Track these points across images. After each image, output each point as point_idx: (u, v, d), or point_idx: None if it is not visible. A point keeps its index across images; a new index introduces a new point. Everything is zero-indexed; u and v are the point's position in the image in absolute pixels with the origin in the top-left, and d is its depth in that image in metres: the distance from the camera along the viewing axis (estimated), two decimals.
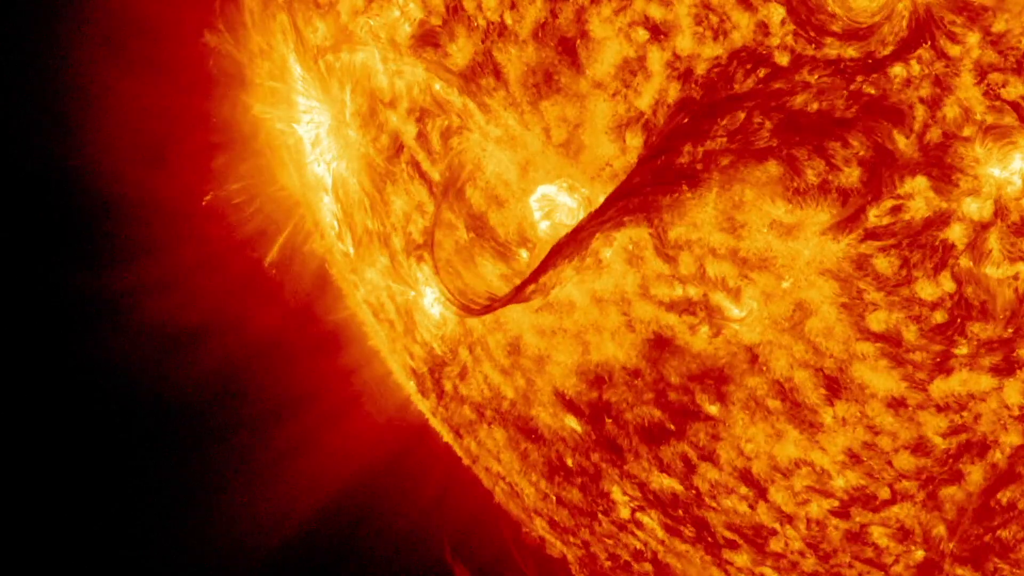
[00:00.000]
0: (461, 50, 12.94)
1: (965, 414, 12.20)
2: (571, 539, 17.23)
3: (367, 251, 16.15)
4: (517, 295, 13.32)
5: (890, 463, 12.85)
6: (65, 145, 17.42)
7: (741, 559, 14.73)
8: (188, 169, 18.04)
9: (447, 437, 18.21)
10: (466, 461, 18.31)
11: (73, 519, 17.75)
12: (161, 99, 17.71)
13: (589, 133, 12.59)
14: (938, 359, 11.99)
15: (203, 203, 17.88)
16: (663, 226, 12.59)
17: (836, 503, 13.47)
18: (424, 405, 18.12)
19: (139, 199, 17.87)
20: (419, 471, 19.54)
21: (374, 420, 19.10)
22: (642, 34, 11.85)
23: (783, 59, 11.32)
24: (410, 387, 18.16)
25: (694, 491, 14.28)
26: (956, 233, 11.37)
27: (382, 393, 18.82)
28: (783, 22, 11.23)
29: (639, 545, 15.95)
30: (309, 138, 16.25)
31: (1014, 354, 11.76)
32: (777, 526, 14.03)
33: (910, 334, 11.95)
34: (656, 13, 11.69)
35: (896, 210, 11.46)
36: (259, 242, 18.04)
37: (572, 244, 12.78)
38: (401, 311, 16.39)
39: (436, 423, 18.25)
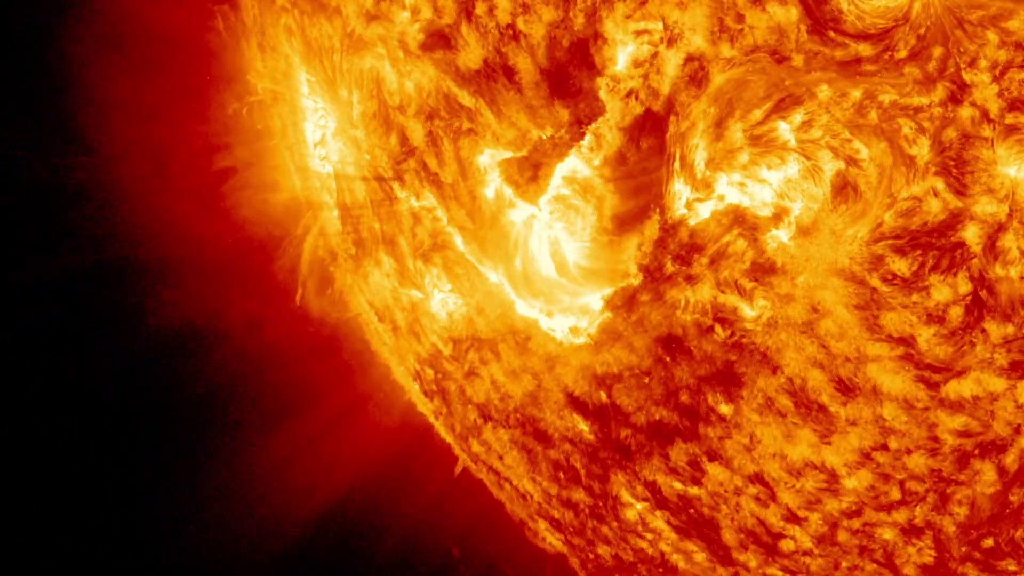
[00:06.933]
0: (473, 51, 12.89)
1: (979, 415, 12.19)
2: (576, 540, 17.19)
3: (372, 253, 16.10)
4: None
5: (902, 464, 12.84)
6: (67, 147, 17.32)
7: (750, 560, 14.72)
8: (191, 172, 17.95)
9: (450, 438, 18.16)
10: (468, 462, 18.27)
11: (80, 518, 17.72)
12: (163, 101, 17.63)
13: (603, 133, 12.57)
14: (952, 360, 11.98)
15: (207, 207, 17.81)
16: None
17: (847, 504, 13.45)
18: (428, 407, 18.07)
19: (142, 203, 17.78)
20: (422, 472, 19.49)
21: (378, 422, 19.05)
22: (657, 35, 11.82)
23: (798, 60, 11.30)
24: (414, 389, 18.11)
25: (704, 492, 14.26)
26: (972, 233, 11.35)
27: (386, 395, 18.76)
28: (799, 22, 11.20)
29: (646, 546, 15.92)
30: (314, 140, 16.19)
31: None
32: (787, 527, 14.02)
33: (924, 335, 11.94)
34: (671, 14, 11.67)
35: (911, 211, 11.45)
36: (263, 245, 17.97)
37: None
38: (407, 313, 16.34)
39: (440, 425, 18.21)
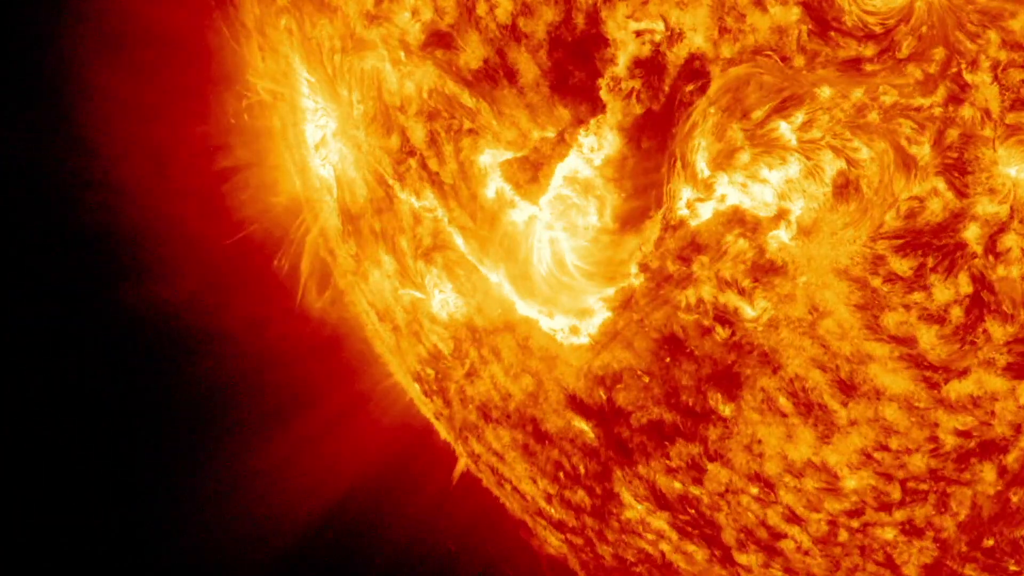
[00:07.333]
0: (473, 51, 12.88)
1: (980, 415, 12.19)
2: (576, 540, 17.20)
3: (373, 253, 16.10)
4: None
5: (903, 464, 12.84)
6: (67, 149, 17.34)
7: (750, 560, 14.72)
8: (191, 172, 17.97)
9: (450, 439, 18.17)
10: (468, 462, 18.27)
11: (80, 518, 17.75)
12: (163, 101, 17.65)
13: (604, 134, 12.57)
14: (953, 360, 11.98)
15: (207, 207, 17.82)
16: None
17: (847, 504, 13.45)
18: (428, 407, 18.08)
19: (142, 203, 17.80)
20: (422, 473, 19.51)
21: (378, 422, 19.06)
22: (658, 35, 11.82)
23: (799, 60, 11.29)
24: (414, 389, 18.11)
25: (705, 492, 14.26)
26: (973, 234, 11.35)
27: (386, 395, 18.78)
28: (799, 22, 11.20)
29: (647, 546, 15.93)
30: (314, 140, 16.19)
31: None
32: (787, 527, 14.02)
33: (925, 335, 11.94)
34: (672, 14, 11.66)
35: (912, 211, 11.45)
36: (263, 245, 17.98)
37: None
38: (407, 313, 16.34)
39: (440, 425, 18.21)
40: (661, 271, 13.01)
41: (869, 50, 11.06)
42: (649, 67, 12.05)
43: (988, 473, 12.55)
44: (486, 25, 12.68)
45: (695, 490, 14.31)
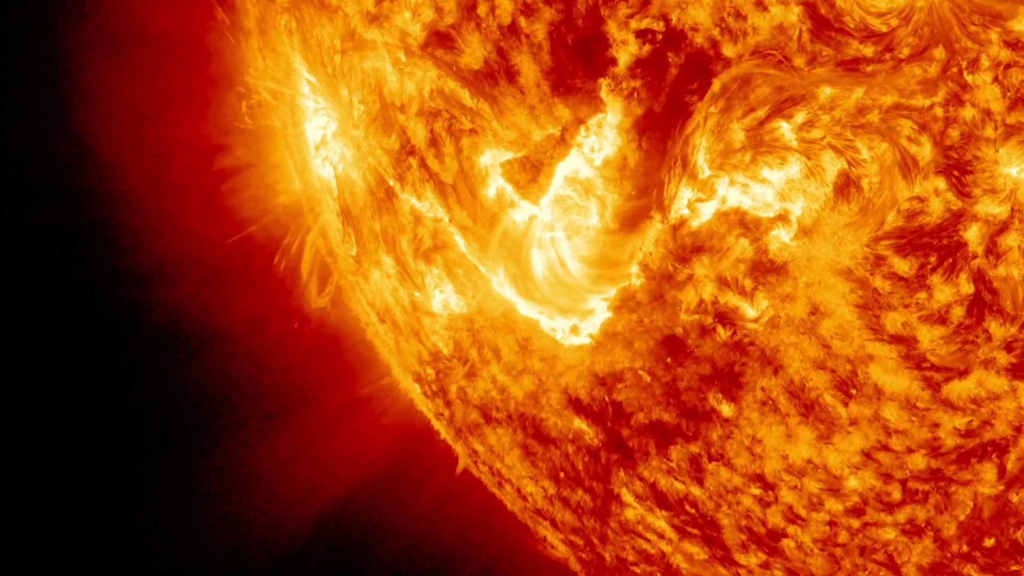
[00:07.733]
0: (474, 51, 12.88)
1: (980, 415, 12.19)
2: (576, 540, 17.18)
3: (373, 253, 16.08)
4: None
5: (903, 464, 12.84)
6: (67, 147, 17.32)
7: (751, 560, 14.71)
8: (191, 172, 17.94)
9: (450, 439, 18.14)
10: (468, 462, 18.25)
11: (80, 518, 17.76)
12: (163, 101, 17.62)
13: (605, 134, 12.57)
14: (954, 360, 11.98)
15: (207, 207, 17.79)
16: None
17: (848, 504, 13.45)
18: (428, 407, 18.05)
19: (142, 203, 17.78)
20: (423, 473, 19.47)
21: (378, 422, 19.03)
22: (659, 35, 11.82)
23: (800, 60, 11.30)
24: (414, 389, 18.09)
25: (705, 492, 14.26)
26: (973, 234, 11.35)
27: (386, 396, 18.74)
28: (800, 22, 11.20)
29: (647, 546, 15.91)
30: (314, 140, 16.17)
31: None
32: (789, 527, 14.02)
33: (926, 335, 11.94)
34: (673, 14, 11.67)
35: (913, 211, 11.45)
36: (263, 245, 17.95)
37: None
38: (407, 313, 16.32)
39: (440, 425, 18.19)
40: (662, 271, 13.01)
41: (869, 50, 11.07)
42: (650, 67, 12.05)
43: (988, 473, 12.55)
44: (487, 25, 12.67)
45: (696, 490, 14.30)
